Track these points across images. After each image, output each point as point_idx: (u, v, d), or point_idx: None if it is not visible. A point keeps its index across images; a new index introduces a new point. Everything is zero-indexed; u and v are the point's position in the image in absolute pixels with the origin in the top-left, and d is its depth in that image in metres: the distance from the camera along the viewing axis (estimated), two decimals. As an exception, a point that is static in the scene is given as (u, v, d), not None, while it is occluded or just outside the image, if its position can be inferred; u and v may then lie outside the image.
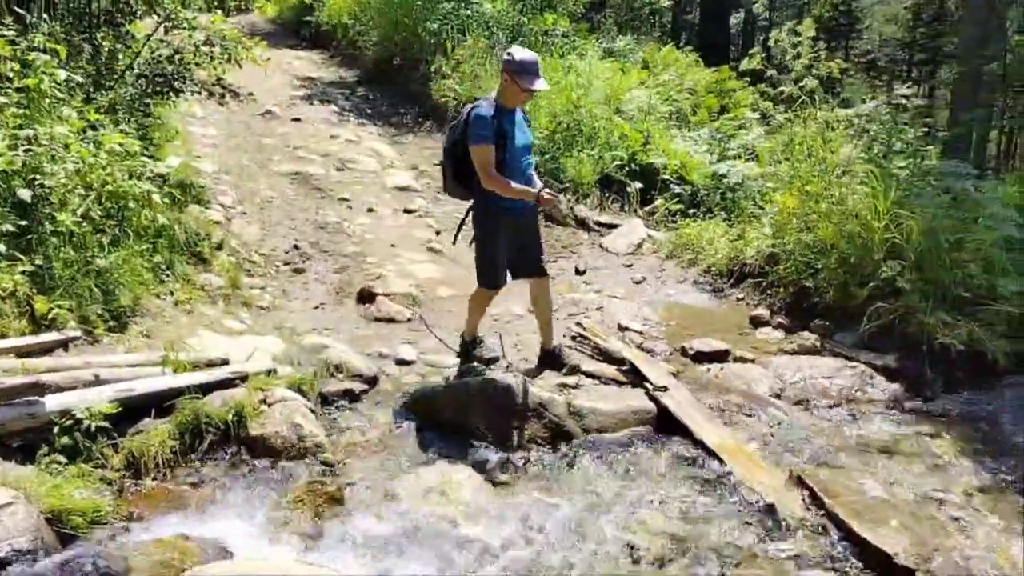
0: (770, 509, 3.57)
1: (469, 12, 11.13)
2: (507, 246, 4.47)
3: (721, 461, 3.91)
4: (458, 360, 4.81)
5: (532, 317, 5.65)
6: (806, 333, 5.51)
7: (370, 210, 7.49)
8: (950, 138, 12.50)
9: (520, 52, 4.23)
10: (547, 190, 4.30)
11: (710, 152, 8.53)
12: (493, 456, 3.92)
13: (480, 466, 3.81)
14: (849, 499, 3.63)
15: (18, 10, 5.27)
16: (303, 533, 3.25)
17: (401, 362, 4.83)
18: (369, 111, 11.05)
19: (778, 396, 4.73)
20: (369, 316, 5.49)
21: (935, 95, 20.52)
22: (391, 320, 5.43)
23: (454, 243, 5.01)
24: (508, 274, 4.59)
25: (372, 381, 4.53)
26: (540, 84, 4.27)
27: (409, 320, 5.47)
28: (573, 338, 5.20)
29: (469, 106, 4.35)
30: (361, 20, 13.02)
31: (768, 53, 8.51)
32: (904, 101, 7.16)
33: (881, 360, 5.10)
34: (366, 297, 5.68)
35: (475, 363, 4.70)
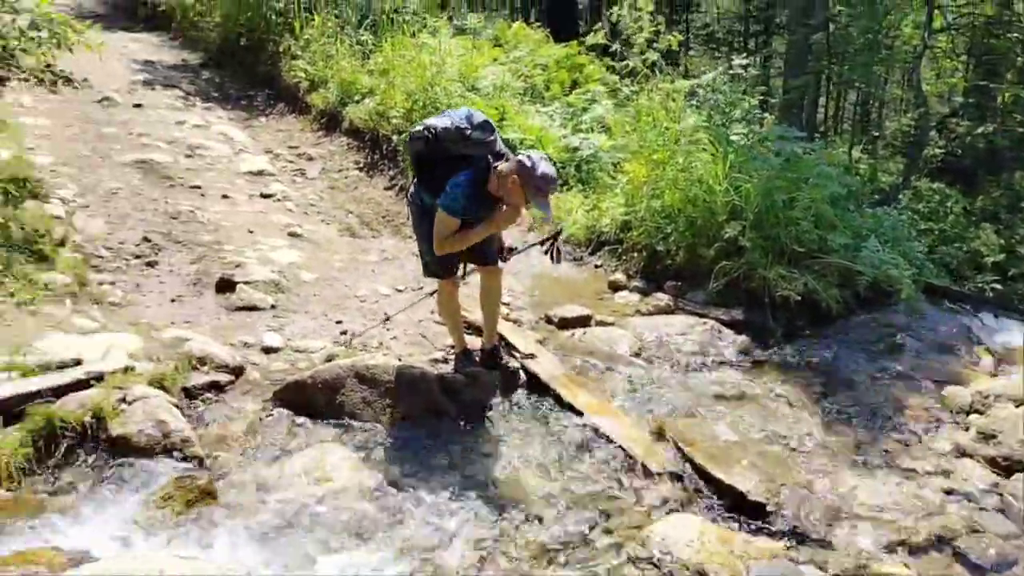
0: (636, 460, 3.80)
1: (316, -10, 10.88)
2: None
3: (589, 420, 4.10)
4: (331, 346, 4.79)
5: (400, 296, 5.70)
6: (660, 294, 5.82)
7: (224, 197, 7.24)
8: (783, 104, 13.40)
9: (544, 166, 3.68)
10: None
11: (564, 126, 8.74)
12: (368, 435, 3.95)
13: (355, 446, 3.84)
14: (704, 445, 3.92)
15: None
16: (174, 529, 3.18)
17: (268, 350, 4.75)
18: (216, 95, 10.62)
19: (638, 355, 5.00)
20: (231, 306, 5.33)
21: (769, 64, 21.75)
22: (254, 308, 5.30)
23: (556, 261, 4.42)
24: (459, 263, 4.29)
25: (238, 371, 4.43)
26: (548, 208, 3.77)
27: (273, 307, 5.36)
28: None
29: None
30: (201, 0, 12.45)
31: (614, 28, 8.78)
32: (741, 71, 7.61)
33: (729, 315, 5.47)
34: (226, 286, 5.51)
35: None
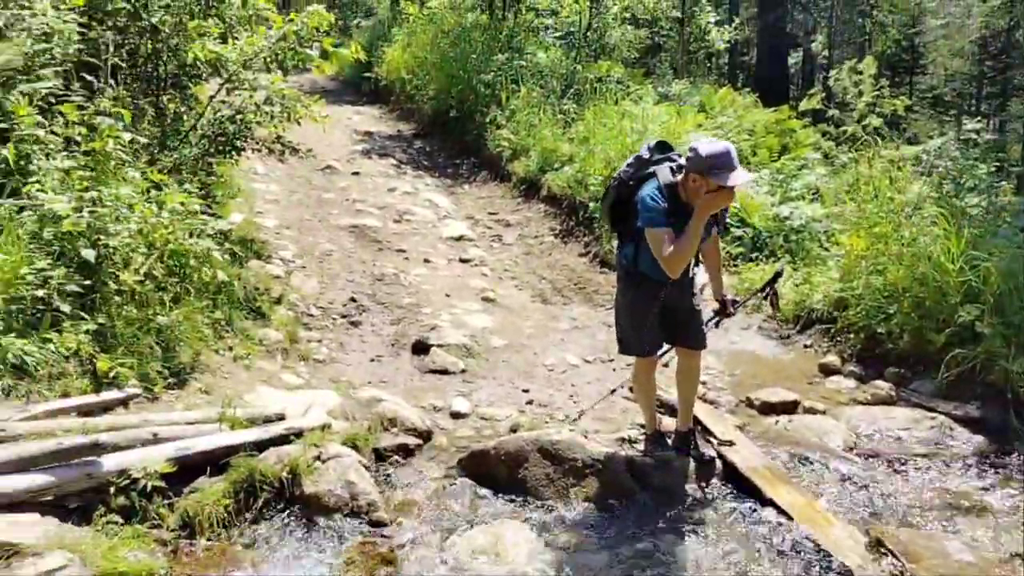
0: (847, 573, 3.35)
1: (523, 63, 11.26)
2: (649, 309, 3.97)
3: (793, 521, 3.70)
4: (516, 414, 4.73)
5: (588, 367, 5.55)
6: (880, 382, 5.24)
7: (426, 261, 7.51)
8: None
9: (707, 146, 3.57)
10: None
11: (771, 193, 8.33)
12: (549, 515, 3.78)
13: (535, 525, 3.68)
14: (933, 562, 3.40)
15: (86, 77, 5.48)
16: (355, 597, 3.17)
17: (455, 415, 4.76)
18: (426, 163, 11.19)
19: (852, 450, 4.49)
20: (424, 368, 5.44)
21: (1006, 129, 19.86)
22: (445, 372, 5.37)
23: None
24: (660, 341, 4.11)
25: (426, 436, 4.45)
26: (739, 176, 3.55)
27: (463, 371, 5.40)
28: (631, 389, 5.05)
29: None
30: (418, 75, 13.28)
31: (829, 92, 8.33)
32: (974, 136, 6.91)
33: (962, 410, 4.81)
34: (421, 348, 5.64)
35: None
